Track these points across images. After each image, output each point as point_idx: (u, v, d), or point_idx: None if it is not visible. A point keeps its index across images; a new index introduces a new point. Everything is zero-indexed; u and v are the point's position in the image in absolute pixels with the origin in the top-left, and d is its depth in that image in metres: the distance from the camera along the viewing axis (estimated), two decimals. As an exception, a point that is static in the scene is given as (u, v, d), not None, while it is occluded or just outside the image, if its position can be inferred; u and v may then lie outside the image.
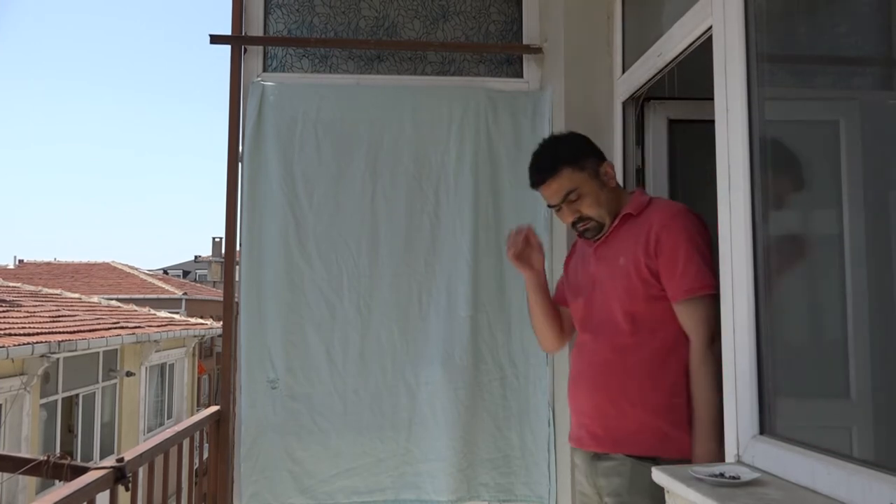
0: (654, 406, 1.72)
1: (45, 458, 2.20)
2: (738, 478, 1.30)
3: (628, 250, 1.79)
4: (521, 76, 2.85)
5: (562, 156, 1.87)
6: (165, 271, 35.76)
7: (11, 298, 11.31)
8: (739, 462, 1.46)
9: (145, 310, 15.02)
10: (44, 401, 9.66)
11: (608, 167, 1.90)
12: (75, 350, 9.01)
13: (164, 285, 21.94)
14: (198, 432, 2.55)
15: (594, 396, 1.82)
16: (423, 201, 2.65)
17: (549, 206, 1.93)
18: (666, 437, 1.70)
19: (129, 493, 1.87)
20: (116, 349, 11.57)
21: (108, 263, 24.15)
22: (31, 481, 8.48)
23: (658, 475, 1.42)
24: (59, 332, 9.16)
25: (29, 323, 9.35)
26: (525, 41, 2.85)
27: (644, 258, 1.74)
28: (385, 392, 2.57)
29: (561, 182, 1.85)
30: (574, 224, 1.89)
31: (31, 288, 13.95)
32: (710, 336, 1.64)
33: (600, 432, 1.80)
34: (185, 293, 21.46)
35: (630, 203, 1.86)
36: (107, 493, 1.79)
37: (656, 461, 1.65)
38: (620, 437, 1.75)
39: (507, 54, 2.86)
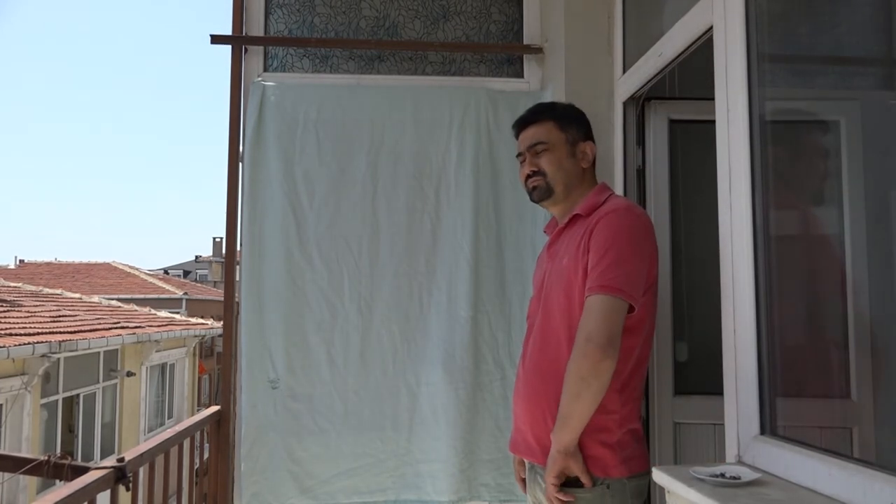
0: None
1: (46, 458, 2.20)
2: (739, 478, 1.30)
3: (571, 252, 1.73)
4: (522, 76, 2.85)
5: (552, 111, 1.90)
6: (166, 271, 35.78)
7: (12, 298, 11.32)
8: (740, 462, 1.46)
9: (146, 310, 15.03)
10: (44, 401, 9.66)
11: (588, 147, 1.87)
12: (76, 350, 9.02)
13: (164, 285, 21.94)
14: (198, 432, 2.55)
15: (529, 404, 1.76)
16: (423, 201, 2.65)
17: (517, 155, 1.94)
18: (591, 456, 1.62)
19: (130, 492, 1.87)
20: (117, 349, 11.58)
21: (108, 263, 24.16)
22: (32, 481, 8.49)
23: (658, 475, 1.42)
24: (60, 332, 9.17)
25: (30, 323, 9.36)
26: (526, 41, 2.85)
27: (581, 260, 1.67)
28: (386, 392, 2.57)
29: (537, 130, 1.87)
30: (528, 178, 1.88)
31: (32, 288, 13.95)
32: (591, 332, 1.55)
33: (534, 443, 1.74)
34: (185, 293, 21.46)
35: (583, 202, 1.80)
36: (107, 492, 1.79)
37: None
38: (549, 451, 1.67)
39: (508, 54, 2.86)
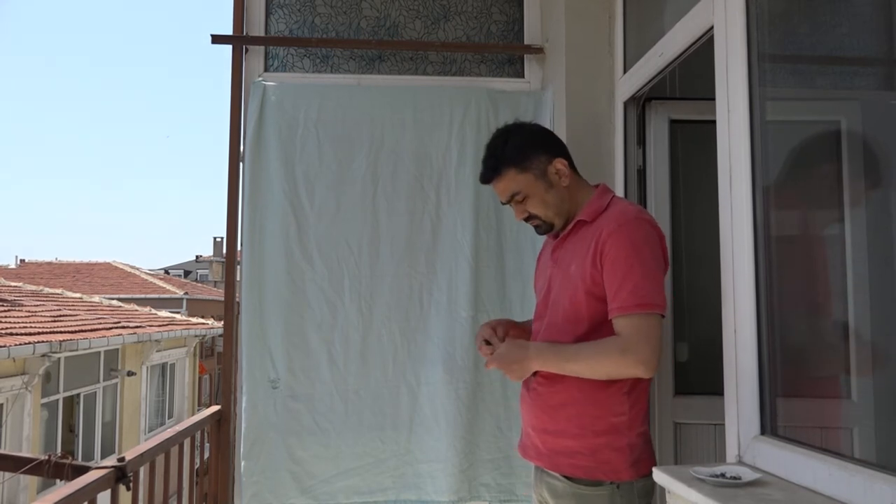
0: (592, 426, 1.66)
1: (47, 457, 2.21)
2: (740, 478, 1.30)
3: (579, 259, 1.71)
4: (523, 76, 2.85)
5: (507, 156, 1.79)
6: (166, 271, 35.78)
7: (13, 298, 11.32)
8: (741, 462, 1.46)
9: (146, 309, 15.03)
10: (45, 400, 9.67)
11: (559, 164, 1.78)
12: (76, 350, 9.02)
13: (165, 285, 21.94)
14: (199, 432, 2.56)
15: (535, 409, 1.76)
16: (424, 201, 2.65)
17: (501, 202, 1.88)
18: (604, 459, 1.64)
19: (130, 492, 1.87)
20: (117, 349, 11.58)
21: (109, 263, 24.17)
22: (33, 481, 8.49)
23: (659, 475, 1.42)
24: (61, 332, 9.17)
25: (30, 322, 9.36)
26: (526, 41, 2.85)
27: (591, 269, 1.66)
28: (386, 392, 2.57)
29: (505, 184, 1.80)
30: (525, 220, 1.85)
31: (33, 287, 13.96)
32: (633, 345, 1.55)
33: (541, 447, 1.75)
34: (186, 293, 21.46)
35: (585, 208, 1.77)
36: (108, 492, 1.79)
37: (597, 483, 1.64)
38: (559, 456, 1.70)
39: (509, 54, 2.86)
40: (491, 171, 1.82)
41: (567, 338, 1.71)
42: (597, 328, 1.66)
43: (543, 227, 1.84)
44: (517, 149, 1.80)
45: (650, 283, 1.59)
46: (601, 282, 1.64)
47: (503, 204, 1.88)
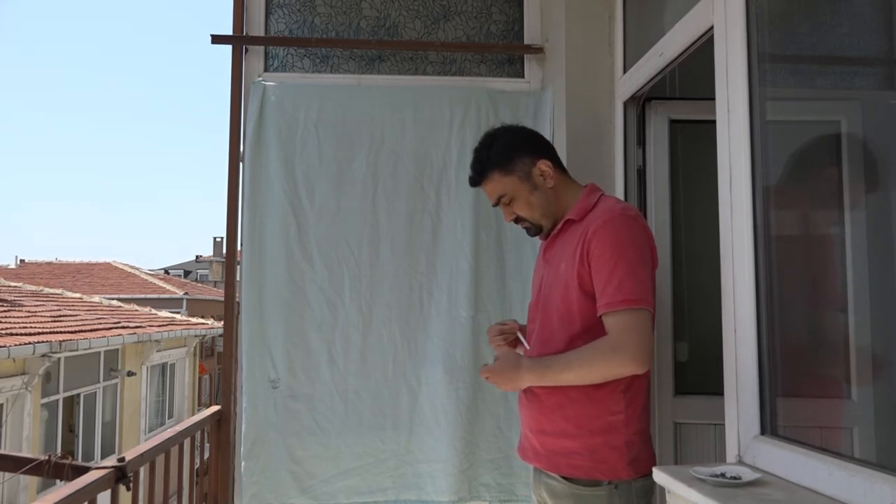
0: (589, 425, 1.66)
1: (47, 457, 2.20)
2: (740, 478, 1.30)
3: (568, 257, 1.72)
4: (523, 76, 2.85)
5: (491, 159, 1.82)
6: (167, 271, 35.81)
7: (13, 298, 11.32)
8: (741, 462, 1.46)
9: (146, 309, 15.03)
10: (45, 400, 9.67)
11: (543, 165, 1.79)
12: (76, 350, 9.02)
13: (165, 285, 21.94)
14: (199, 432, 2.56)
15: (532, 410, 1.77)
16: (424, 201, 2.65)
17: (492, 205, 1.90)
18: (602, 458, 1.64)
19: (130, 492, 1.87)
20: (117, 349, 11.58)
21: (109, 263, 24.17)
22: (33, 481, 8.50)
23: (658, 475, 1.42)
24: (61, 332, 9.17)
25: (30, 322, 9.36)
26: (526, 41, 2.85)
27: (579, 266, 1.67)
28: (386, 392, 2.57)
29: (492, 186, 1.83)
30: (515, 223, 1.87)
31: (33, 288, 13.96)
32: (623, 342, 1.56)
33: (539, 448, 1.75)
34: (186, 293, 21.46)
35: (574, 207, 1.78)
36: (108, 492, 1.79)
37: (595, 483, 1.64)
38: (557, 457, 1.70)
39: (509, 54, 2.86)
40: (477, 174, 1.86)
41: (561, 336, 1.71)
42: (590, 326, 1.66)
43: (532, 230, 1.86)
44: (501, 152, 1.82)
45: (634, 279, 1.59)
46: (589, 279, 1.65)
47: (493, 206, 1.89)
